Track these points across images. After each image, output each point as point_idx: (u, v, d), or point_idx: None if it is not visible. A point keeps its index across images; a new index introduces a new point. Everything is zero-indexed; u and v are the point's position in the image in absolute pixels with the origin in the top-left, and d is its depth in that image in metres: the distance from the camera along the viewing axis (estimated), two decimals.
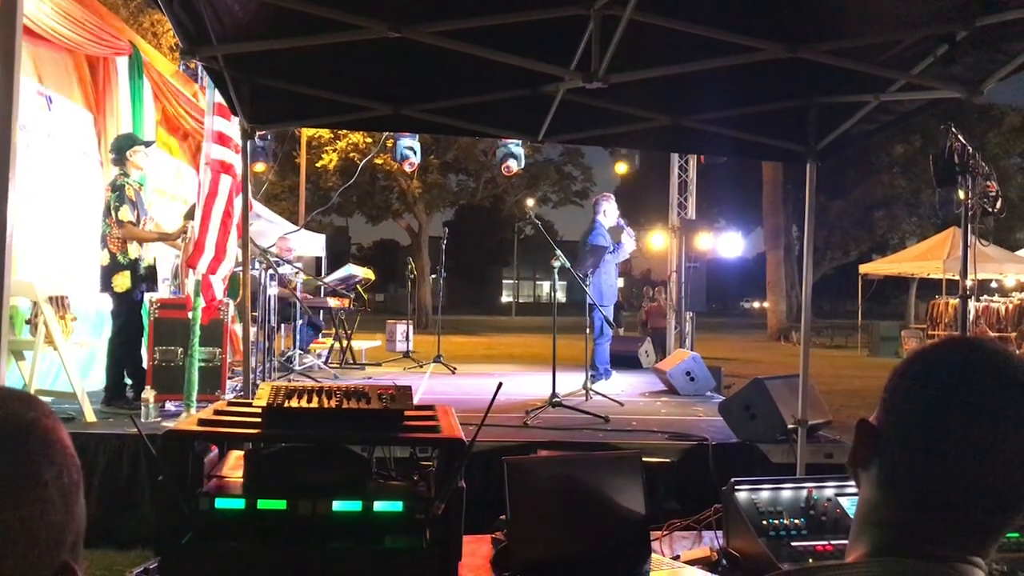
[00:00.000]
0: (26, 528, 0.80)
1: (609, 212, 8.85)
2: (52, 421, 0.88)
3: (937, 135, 4.69)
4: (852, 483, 2.36)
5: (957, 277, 4.98)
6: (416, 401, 2.33)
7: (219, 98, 5.60)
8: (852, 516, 2.24)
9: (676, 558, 2.46)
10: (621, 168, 15.02)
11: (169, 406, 6.43)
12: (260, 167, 15.42)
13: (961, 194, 4.81)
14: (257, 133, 5.01)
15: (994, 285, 25.67)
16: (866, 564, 0.99)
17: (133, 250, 6.48)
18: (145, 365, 6.69)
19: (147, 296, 6.80)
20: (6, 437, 0.83)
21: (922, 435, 0.98)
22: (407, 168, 15.27)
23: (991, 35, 3.44)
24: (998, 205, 4.95)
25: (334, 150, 29.79)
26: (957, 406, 0.96)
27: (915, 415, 0.99)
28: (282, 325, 9.92)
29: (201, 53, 3.77)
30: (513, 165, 12.25)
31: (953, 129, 4.84)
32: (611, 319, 8.58)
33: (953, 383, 0.98)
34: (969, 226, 4.84)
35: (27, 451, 0.83)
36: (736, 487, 2.33)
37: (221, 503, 2.03)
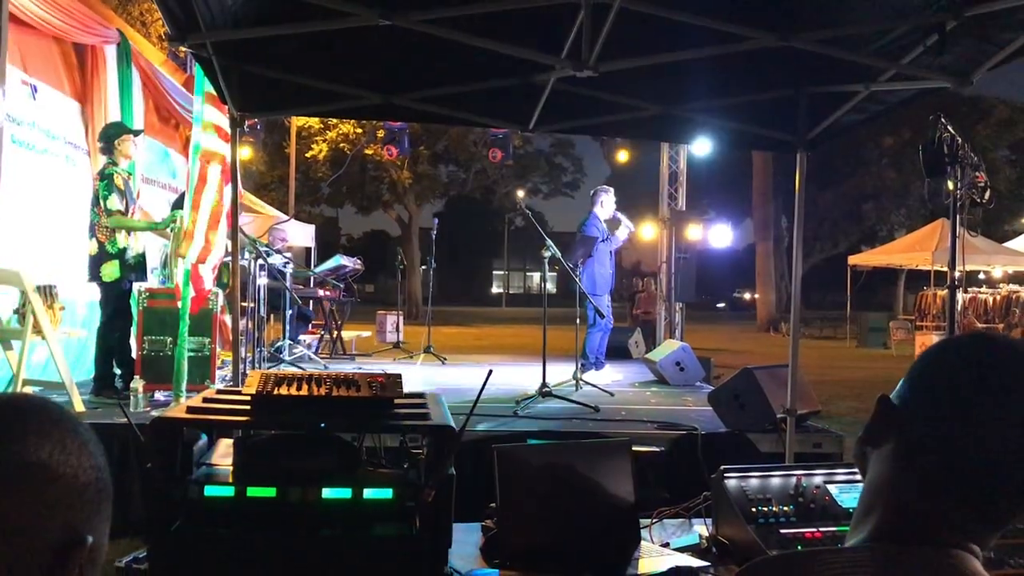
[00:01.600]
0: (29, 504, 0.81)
1: (607, 204, 8.85)
2: (50, 406, 0.91)
3: (926, 126, 4.69)
4: (841, 470, 2.38)
5: (945, 268, 5.00)
6: (406, 391, 2.32)
7: (208, 86, 5.57)
8: (840, 503, 2.26)
9: (665, 545, 2.46)
10: (623, 156, 15.02)
11: (158, 396, 6.42)
12: (247, 153, 15.31)
13: (950, 185, 4.82)
14: (247, 122, 4.99)
15: (982, 276, 25.81)
16: (864, 550, 0.99)
17: (121, 239, 6.45)
18: (134, 355, 6.67)
19: (136, 286, 6.77)
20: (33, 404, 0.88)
21: (947, 416, 0.98)
22: (386, 155, 15.31)
23: (981, 25, 3.45)
24: (987, 196, 4.96)
25: (324, 140, 29.69)
26: (987, 391, 0.97)
27: (942, 396, 1.00)
28: (272, 315, 9.91)
29: (189, 40, 3.74)
30: None
31: (942, 120, 4.85)
32: (603, 309, 8.56)
33: (987, 371, 0.98)
34: (958, 217, 4.86)
35: (44, 410, 0.87)
36: (725, 475, 2.33)
37: (210, 491, 2.02)
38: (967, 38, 3.58)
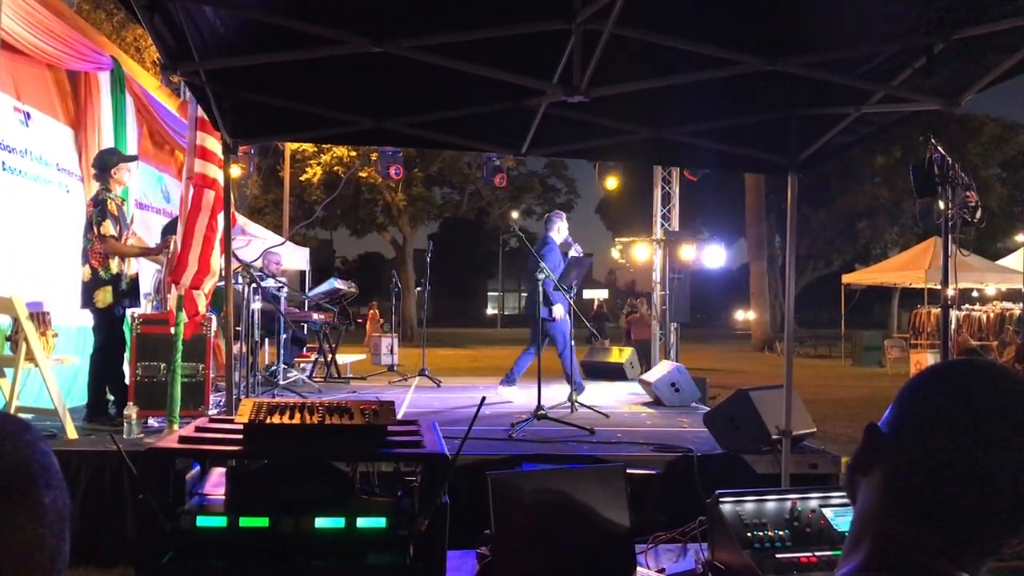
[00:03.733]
0: (24, 551, 0.80)
1: (562, 229, 8.83)
2: (46, 445, 0.88)
3: (917, 145, 4.73)
4: (836, 494, 2.37)
5: (939, 286, 5.05)
6: (401, 415, 2.32)
7: (201, 113, 5.58)
8: (836, 527, 2.25)
9: (661, 571, 2.45)
10: (611, 183, 15.17)
11: (152, 422, 6.39)
12: (236, 172, 15.33)
13: (941, 204, 4.85)
14: (240, 148, 5.00)
15: (975, 294, 25.90)
16: None
17: (115, 265, 6.44)
18: (127, 381, 6.64)
19: (129, 311, 6.75)
20: (7, 458, 0.83)
21: (934, 444, 0.97)
22: (392, 174, 15.35)
23: (968, 47, 3.48)
24: (978, 215, 4.99)
25: (318, 163, 29.80)
26: (973, 419, 0.96)
27: (929, 424, 0.99)
28: (266, 340, 9.88)
29: (182, 68, 3.76)
30: None
31: (932, 140, 4.88)
32: (562, 332, 8.42)
33: (973, 398, 0.97)
34: (950, 236, 4.88)
35: (28, 474, 0.84)
36: (720, 499, 2.33)
37: (203, 521, 2.01)
38: (955, 60, 3.61)
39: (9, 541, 0.79)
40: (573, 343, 8.52)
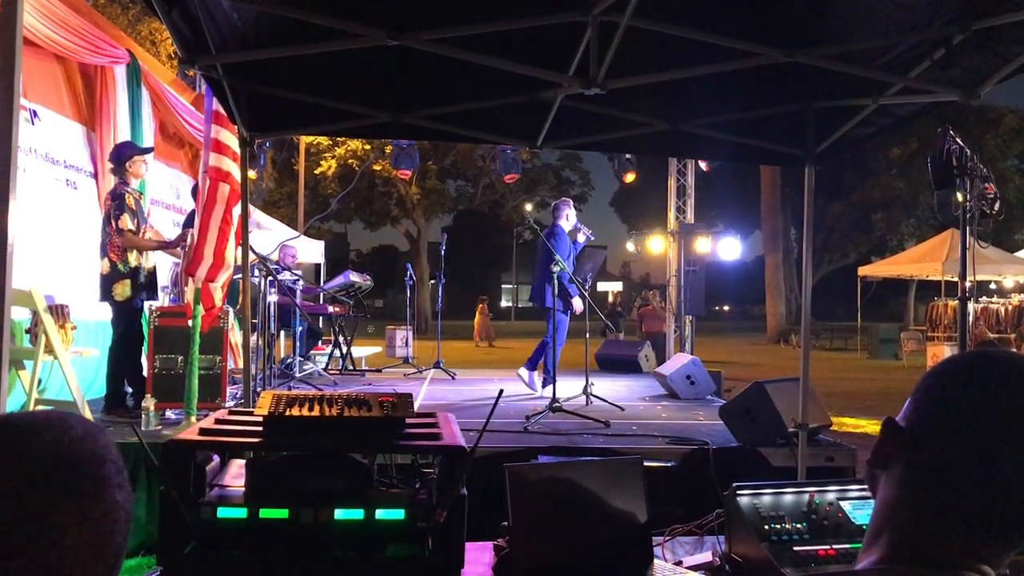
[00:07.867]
0: (96, 546, 0.84)
1: (571, 216, 8.81)
2: (117, 450, 0.92)
3: (934, 137, 4.69)
4: (854, 487, 2.37)
5: (956, 279, 5.02)
6: (416, 408, 2.32)
7: (218, 106, 5.61)
8: (854, 520, 2.25)
9: (679, 563, 2.45)
10: (630, 178, 15.03)
11: (169, 414, 6.44)
12: (252, 174, 15.39)
13: (959, 196, 4.81)
14: (256, 141, 5.01)
15: (993, 287, 25.70)
16: (874, 572, 0.99)
17: (133, 258, 6.49)
18: (145, 373, 6.69)
19: (147, 304, 6.80)
20: (86, 457, 0.87)
21: (953, 438, 0.97)
22: (399, 176, 15.35)
23: (988, 38, 3.45)
24: (996, 207, 4.95)
25: (333, 157, 29.88)
26: (991, 412, 0.96)
27: (947, 418, 0.99)
28: (281, 332, 9.92)
29: (200, 62, 3.77)
30: None
31: (950, 131, 4.84)
32: (563, 324, 8.34)
33: (992, 391, 0.97)
34: (968, 228, 4.84)
35: (104, 473, 0.88)
36: (737, 491, 2.33)
37: (223, 512, 2.02)
38: (975, 51, 3.58)
39: (86, 535, 0.83)
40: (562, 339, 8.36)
